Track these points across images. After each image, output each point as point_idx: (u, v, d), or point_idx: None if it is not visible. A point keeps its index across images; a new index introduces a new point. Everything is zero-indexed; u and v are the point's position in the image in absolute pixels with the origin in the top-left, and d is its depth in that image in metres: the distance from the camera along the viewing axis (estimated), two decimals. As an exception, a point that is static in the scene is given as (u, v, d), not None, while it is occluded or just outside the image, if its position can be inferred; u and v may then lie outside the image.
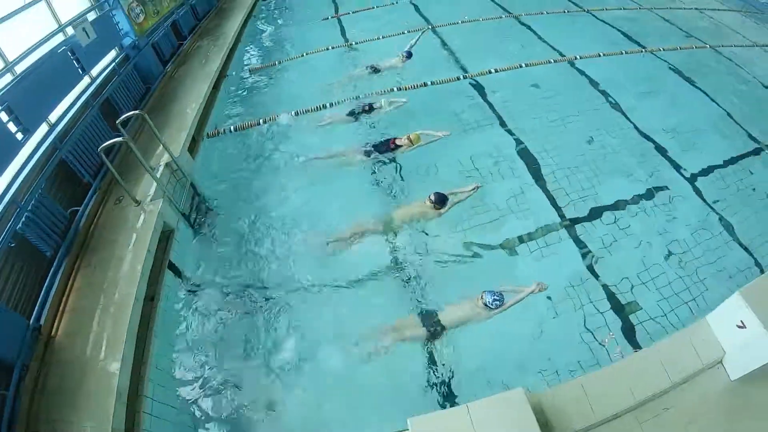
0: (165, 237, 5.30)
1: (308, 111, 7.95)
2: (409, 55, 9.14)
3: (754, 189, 6.52)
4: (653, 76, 9.03)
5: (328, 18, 11.70)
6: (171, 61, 9.02)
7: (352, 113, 7.78)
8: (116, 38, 7.54)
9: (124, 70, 7.35)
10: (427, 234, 5.80)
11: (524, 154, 6.98)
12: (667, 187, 6.43)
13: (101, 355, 4.05)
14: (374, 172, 6.79)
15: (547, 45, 9.91)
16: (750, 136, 7.49)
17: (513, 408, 3.17)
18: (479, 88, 8.53)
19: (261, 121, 7.67)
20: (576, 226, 5.93)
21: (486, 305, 4.82)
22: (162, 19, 9.08)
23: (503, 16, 11.23)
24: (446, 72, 8.92)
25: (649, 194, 6.35)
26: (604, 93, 8.38)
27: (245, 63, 9.80)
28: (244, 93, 8.62)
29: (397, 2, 12.20)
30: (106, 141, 5.25)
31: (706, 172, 6.77)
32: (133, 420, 4.02)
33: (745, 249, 5.69)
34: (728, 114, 7.96)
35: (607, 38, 10.52)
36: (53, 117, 6.03)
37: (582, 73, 9.08)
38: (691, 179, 6.64)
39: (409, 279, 5.36)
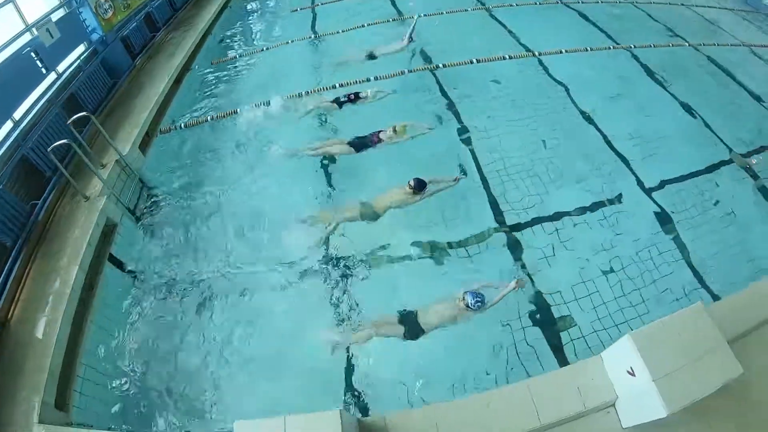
0: (108, 231, 5.81)
1: (293, 96, 8.21)
2: (410, 40, 9.24)
3: (716, 203, 6.32)
4: (625, 76, 8.86)
5: (297, 10, 11.85)
6: (142, 53, 9.38)
7: (336, 101, 7.90)
8: (83, 35, 8.01)
9: (89, 66, 7.78)
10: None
11: (472, 154, 7.00)
12: (619, 199, 6.28)
13: (42, 338, 4.63)
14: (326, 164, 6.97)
15: (515, 39, 9.93)
16: (723, 145, 7.26)
17: (324, 427, 3.09)
18: (441, 82, 8.57)
19: (222, 114, 8.01)
20: (515, 233, 5.89)
21: (468, 306, 4.81)
22: (134, 12, 9.44)
23: (472, 8, 11.22)
24: (410, 64, 9.07)
25: (599, 205, 6.20)
26: (567, 92, 8.26)
27: (212, 55, 10.06)
28: (207, 87, 8.93)
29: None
30: (68, 137, 5.78)
31: (666, 183, 6.56)
32: (64, 396, 4.61)
33: (695, 270, 5.49)
34: (703, 120, 7.74)
35: (580, 33, 10.37)
36: (18, 114, 6.52)
37: (546, 70, 9.01)
38: (648, 191, 6.47)
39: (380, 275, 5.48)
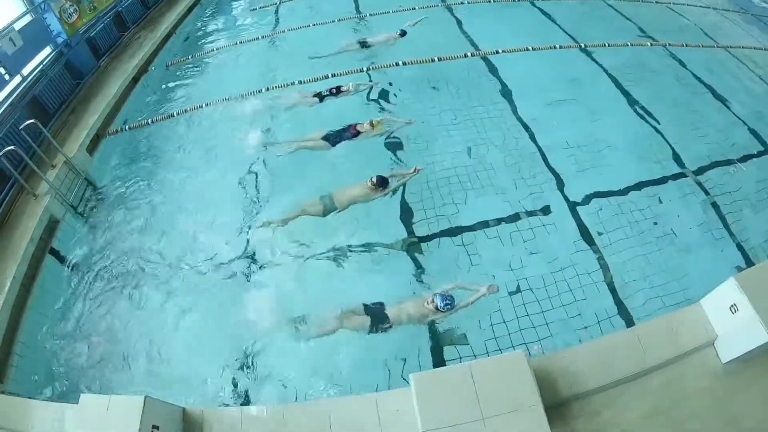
0: (53, 226, 6.67)
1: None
2: (403, 33, 9.64)
3: (655, 222, 6.10)
4: (579, 79, 8.71)
5: (255, 9, 12.44)
6: (108, 53, 10.14)
7: (318, 95, 8.20)
8: (47, 40, 8.78)
9: (51, 70, 8.57)
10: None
11: (396, 160, 7.13)
12: (541, 212, 6.19)
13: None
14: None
15: (465, 37, 10.14)
16: (676, 158, 7.00)
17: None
18: (386, 82, 8.75)
19: (172, 114, 8.69)
20: (422, 244, 5.93)
21: (437, 308, 4.93)
22: (101, 13, 10.15)
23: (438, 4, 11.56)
24: (353, 63, 9.37)
25: (515, 218, 6.13)
26: (508, 95, 8.23)
27: (173, 56, 10.74)
28: (162, 88, 9.64)
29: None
30: (30, 138, 6.83)
31: (598, 197, 6.35)
32: (2, 372, 5.51)
33: (615, 295, 5.34)
34: (657, 129, 7.48)
35: (538, 30, 10.37)
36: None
37: (494, 70, 9.03)
38: (573, 205, 6.29)
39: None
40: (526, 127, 7.55)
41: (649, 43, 9.98)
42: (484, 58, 9.24)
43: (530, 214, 6.21)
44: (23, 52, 8.14)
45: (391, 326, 5.02)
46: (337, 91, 8.18)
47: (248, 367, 5.11)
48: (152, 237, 6.71)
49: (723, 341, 3.70)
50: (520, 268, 5.60)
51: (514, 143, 7.27)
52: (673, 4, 12.19)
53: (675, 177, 6.76)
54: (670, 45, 9.92)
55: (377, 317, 5.05)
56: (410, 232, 6.16)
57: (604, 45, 9.74)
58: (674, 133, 7.41)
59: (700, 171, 6.85)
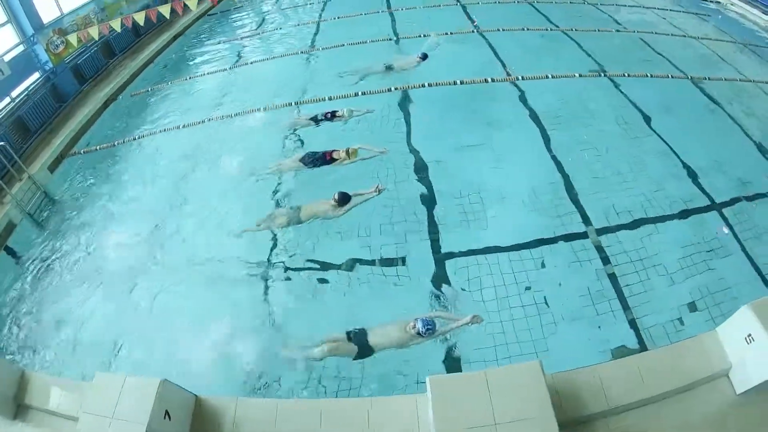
0: (10, 228, 8.42)
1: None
2: (425, 56, 10.20)
3: (528, 287, 5.81)
4: (497, 121, 8.67)
5: (228, 40, 14.02)
6: (92, 79, 12.02)
7: (314, 119, 8.78)
8: (34, 68, 10.66)
9: (36, 94, 10.43)
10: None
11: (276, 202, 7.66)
12: (403, 261, 6.26)
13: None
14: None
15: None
16: (582, 214, 6.65)
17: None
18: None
19: (131, 138, 10.14)
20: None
21: (418, 333, 5.03)
22: (89, 43, 12.03)
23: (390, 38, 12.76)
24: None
25: (371, 263, 6.29)
26: (416, 134, 8.52)
27: (147, 84, 12.34)
28: (125, 114, 11.12)
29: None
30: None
31: (467, 254, 6.22)
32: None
33: (451, 360, 5.28)
34: (567, 180, 7.20)
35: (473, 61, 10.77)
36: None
37: (409, 103, 9.40)
38: (440, 259, 6.23)
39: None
40: (422, 170, 7.65)
41: (599, 74, 9.85)
42: (405, 92, 9.68)
43: (387, 263, 6.26)
44: (11, 79, 9.99)
45: (373, 351, 5.13)
46: (332, 116, 8.66)
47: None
48: (92, 242, 8.23)
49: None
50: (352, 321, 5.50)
51: (405, 186, 7.36)
52: (642, 33, 12.16)
53: (572, 237, 6.33)
54: (628, 75, 9.78)
55: (360, 342, 5.19)
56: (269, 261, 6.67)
57: (546, 77, 9.80)
58: (589, 185, 7.06)
59: (605, 231, 6.40)
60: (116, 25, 9.82)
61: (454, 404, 3.40)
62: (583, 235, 6.37)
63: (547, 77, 9.77)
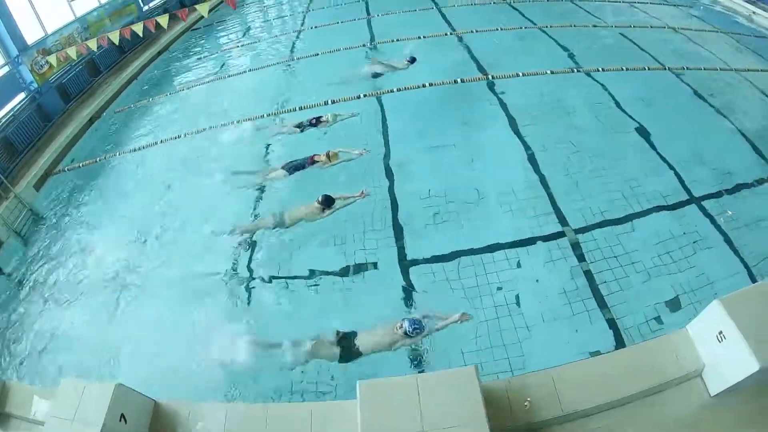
0: None
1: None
2: (413, 60, 10.53)
3: (499, 287, 5.71)
4: (471, 122, 8.70)
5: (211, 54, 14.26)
6: (78, 96, 12.23)
7: (300, 125, 8.98)
8: (19, 89, 10.88)
9: (22, 114, 10.63)
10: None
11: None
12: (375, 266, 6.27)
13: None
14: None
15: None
16: (558, 214, 6.55)
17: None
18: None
19: (114, 154, 10.33)
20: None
21: (405, 333, 5.03)
22: (74, 62, 12.26)
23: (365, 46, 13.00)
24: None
25: (344, 272, 6.33)
26: (392, 134, 8.70)
27: (130, 101, 12.54)
28: (109, 132, 11.32)
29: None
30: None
31: (435, 261, 6.17)
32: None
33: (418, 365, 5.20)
34: (543, 180, 7.13)
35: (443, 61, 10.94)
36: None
37: (381, 108, 9.53)
38: (408, 264, 6.21)
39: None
40: (389, 174, 7.72)
41: (573, 70, 9.84)
42: (378, 98, 9.86)
43: (357, 269, 6.28)
44: (-1, 98, 10.20)
45: (361, 353, 5.13)
46: (317, 122, 8.88)
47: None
48: (78, 257, 8.40)
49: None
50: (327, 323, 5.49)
51: (374, 192, 7.38)
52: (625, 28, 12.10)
53: (550, 237, 6.24)
54: (603, 70, 9.70)
55: (347, 345, 5.19)
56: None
57: (517, 75, 9.88)
58: (566, 182, 7.01)
59: (585, 230, 6.30)
60: (92, 45, 9.95)
61: (382, 410, 3.36)
62: (560, 234, 6.29)
63: (524, 75, 9.83)
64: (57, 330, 6.97)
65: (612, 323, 5.26)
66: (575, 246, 6.10)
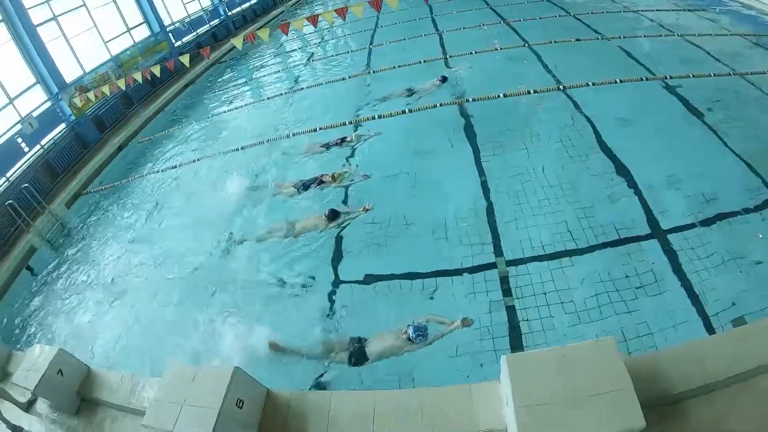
0: (32, 251, 10.31)
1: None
2: (444, 79, 10.97)
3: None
4: (428, 151, 8.97)
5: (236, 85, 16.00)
6: (112, 126, 14.19)
7: (326, 145, 9.65)
8: (58, 121, 12.89)
9: (62, 142, 12.60)
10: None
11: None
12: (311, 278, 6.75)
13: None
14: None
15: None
16: (496, 244, 6.39)
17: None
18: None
19: (137, 176, 11.90)
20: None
21: (409, 339, 5.18)
22: (109, 97, 14.25)
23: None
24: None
25: (281, 285, 6.84)
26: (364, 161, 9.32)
27: (155, 131, 14.17)
28: (134, 159, 13.03)
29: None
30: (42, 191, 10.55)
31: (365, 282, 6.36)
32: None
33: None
34: (490, 206, 7.11)
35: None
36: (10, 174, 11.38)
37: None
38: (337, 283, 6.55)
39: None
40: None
41: (558, 87, 9.70)
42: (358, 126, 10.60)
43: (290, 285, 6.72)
44: (40, 131, 12.18)
45: (368, 359, 5.31)
46: (342, 142, 9.54)
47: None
48: (101, 262, 9.88)
49: None
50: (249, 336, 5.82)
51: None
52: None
53: (482, 268, 6.03)
54: (593, 84, 9.58)
55: (358, 349, 5.39)
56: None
57: (498, 96, 10.04)
58: (511, 211, 6.75)
59: (516, 263, 5.97)
60: (122, 84, 11.75)
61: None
62: (491, 266, 6.00)
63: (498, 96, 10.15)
64: (72, 323, 8.34)
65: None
66: (503, 279, 5.81)
